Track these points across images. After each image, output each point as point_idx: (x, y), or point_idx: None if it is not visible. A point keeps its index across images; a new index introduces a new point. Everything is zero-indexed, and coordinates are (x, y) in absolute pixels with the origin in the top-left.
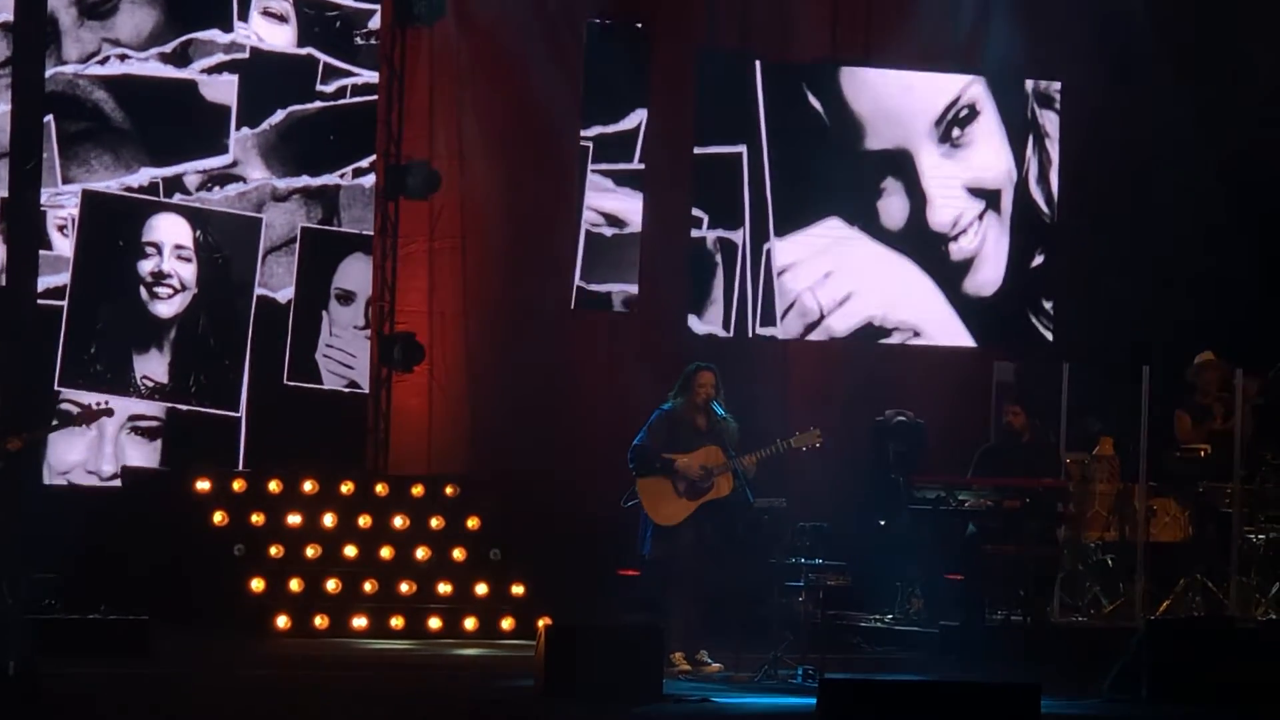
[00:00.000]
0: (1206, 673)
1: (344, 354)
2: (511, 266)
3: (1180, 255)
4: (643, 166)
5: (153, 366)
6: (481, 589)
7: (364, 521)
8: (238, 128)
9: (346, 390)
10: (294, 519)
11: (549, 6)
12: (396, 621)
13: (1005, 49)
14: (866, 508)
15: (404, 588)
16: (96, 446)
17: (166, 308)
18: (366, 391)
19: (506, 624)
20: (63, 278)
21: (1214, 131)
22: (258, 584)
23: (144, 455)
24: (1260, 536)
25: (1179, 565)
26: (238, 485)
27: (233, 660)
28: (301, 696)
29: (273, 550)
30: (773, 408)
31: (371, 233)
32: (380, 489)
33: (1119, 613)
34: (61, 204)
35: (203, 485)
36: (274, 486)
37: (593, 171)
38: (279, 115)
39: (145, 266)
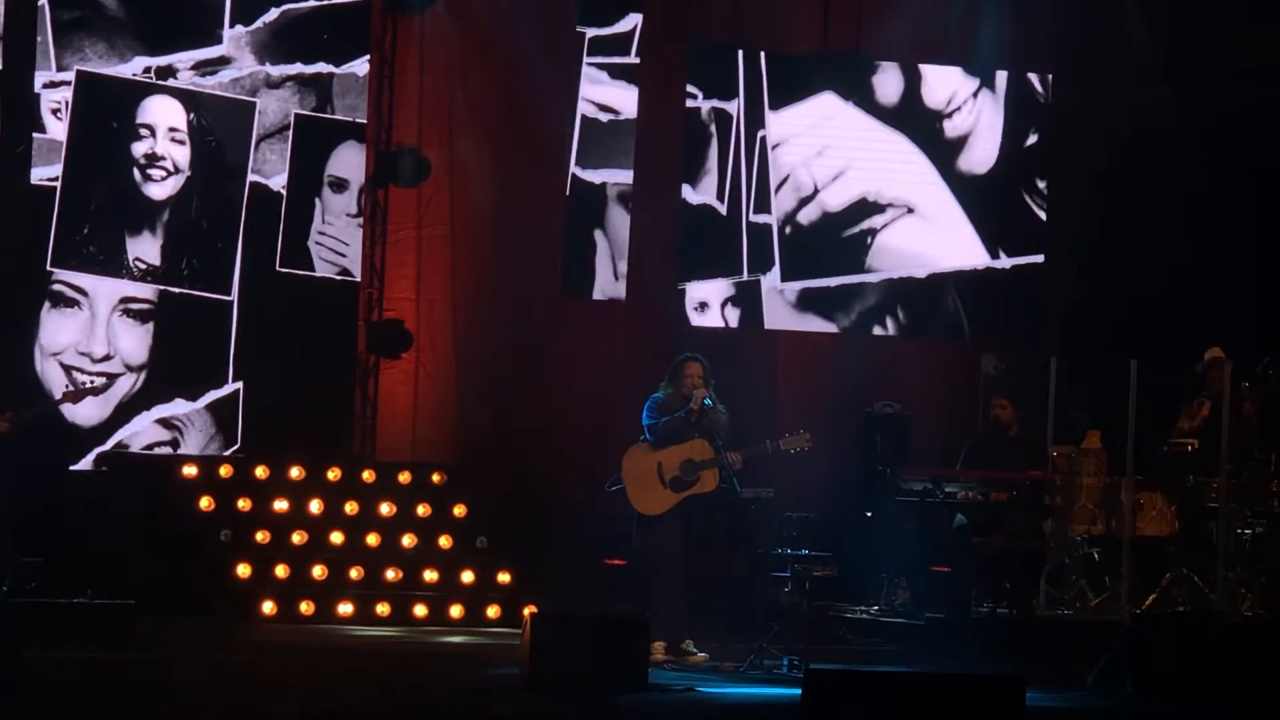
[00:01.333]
0: (1192, 667)
1: (337, 241)
2: (500, 254)
3: (1171, 248)
4: (638, 60)
5: (145, 248)
6: (467, 577)
7: (350, 508)
8: (231, 25)
9: (339, 278)
10: (280, 505)
11: None
12: (382, 608)
13: (996, 40)
14: (853, 499)
15: (390, 575)
16: (89, 328)
17: (159, 190)
18: (359, 280)
19: (492, 612)
20: (56, 169)
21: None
22: (244, 569)
23: (136, 338)
24: (1246, 531)
25: (1165, 559)
26: (224, 471)
27: (218, 646)
28: (287, 682)
29: (259, 536)
30: (761, 399)
31: (364, 121)
32: (367, 476)
33: (1105, 606)
34: (55, 88)
35: (189, 470)
36: (260, 472)
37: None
38: (272, 14)
39: (139, 148)
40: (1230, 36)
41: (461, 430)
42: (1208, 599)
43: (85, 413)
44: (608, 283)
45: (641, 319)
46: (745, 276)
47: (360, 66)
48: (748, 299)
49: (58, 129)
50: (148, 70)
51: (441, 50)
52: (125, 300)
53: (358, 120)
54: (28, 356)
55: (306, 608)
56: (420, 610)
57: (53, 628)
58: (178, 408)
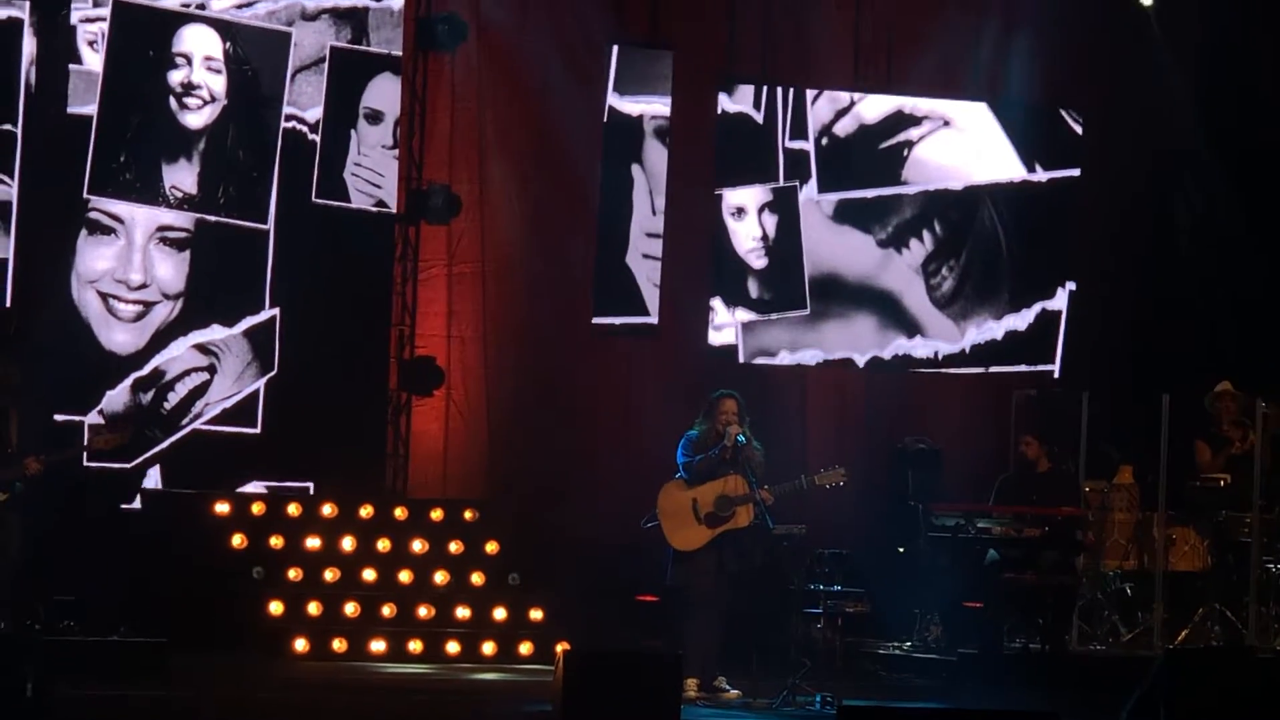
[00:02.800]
0: (1225, 702)
1: (372, 173)
2: (531, 291)
3: (1199, 282)
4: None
5: (181, 177)
6: (500, 614)
7: (383, 545)
8: None
9: (374, 209)
10: (313, 542)
11: (570, 33)
12: (415, 645)
13: (1026, 77)
14: (885, 535)
15: (422, 612)
16: (125, 255)
17: (196, 119)
18: (394, 211)
19: (525, 649)
20: (92, 106)
21: (1229, 150)
22: (276, 607)
23: (172, 266)
24: (1279, 566)
25: (1198, 594)
26: (257, 508)
27: (250, 683)
28: None
29: (291, 573)
30: (792, 435)
31: (400, 54)
32: (399, 513)
33: (1137, 641)
34: (91, 19)
35: (222, 508)
36: (293, 509)
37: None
38: None
39: (175, 77)
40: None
41: (493, 467)
42: (1241, 634)
43: (121, 339)
44: (645, 218)
45: (674, 351)
46: (782, 183)
47: (396, 1)
48: (785, 207)
49: (94, 61)
50: (184, 1)
51: (472, 88)
52: (162, 228)
53: (393, 54)
54: (65, 285)
55: (339, 645)
56: (453, 647)
57: (86, 666)
58: (214, 333)
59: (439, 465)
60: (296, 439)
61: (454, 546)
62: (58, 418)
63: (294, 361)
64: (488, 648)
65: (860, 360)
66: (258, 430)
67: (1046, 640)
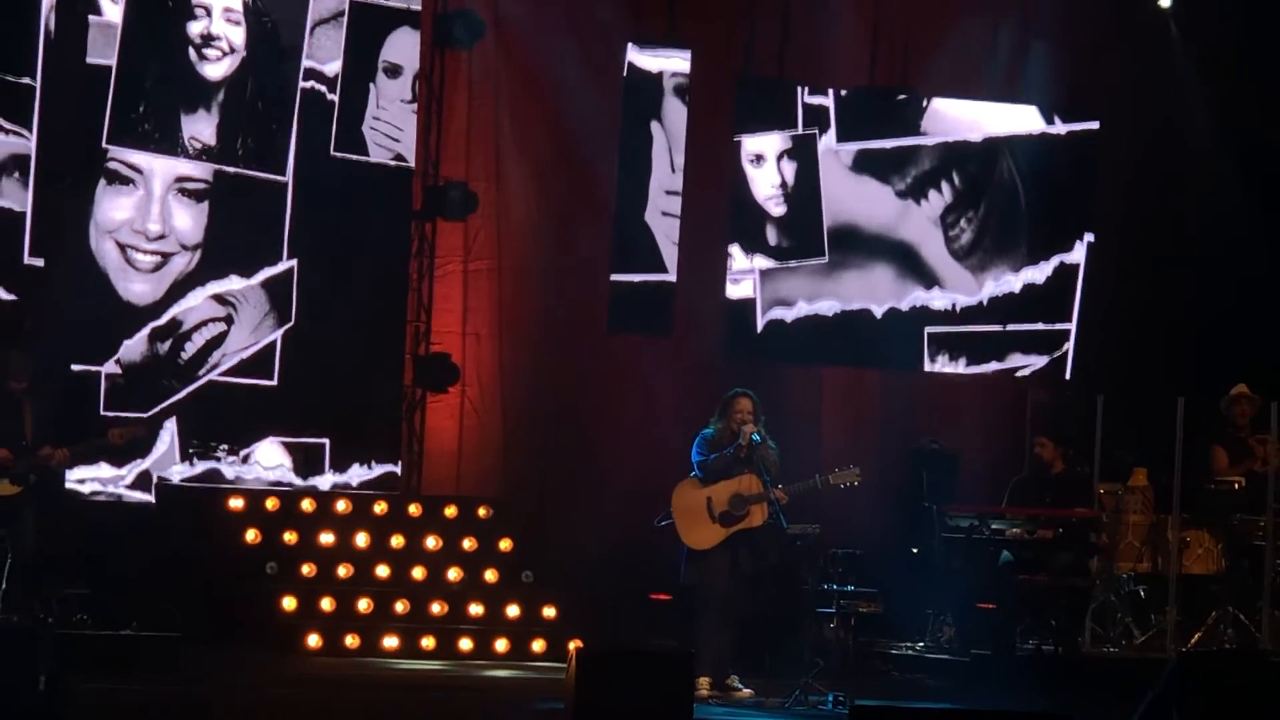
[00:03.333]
0: (1237, 706)
1: (391, 127)
2: (546, 288)
3: (1216, 285)
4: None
5: (200, 128)
6: (513, 611)
7: (396, 541)
8: None
9: (393, 164)
10: (326, 538)
11: (587, 31)
12: (428, 642)
13: (1044, 76)
14: (899, 535)
15: (435, 608)
16: (144, 206)
17: (215, 70)
18: (413, 166)
19: (538, 646)
20: (111, 58)
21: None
22: (289, 602)
23: (191, 217)
24: None
25: (1211, 597)
26: (271, 504)
27: (263, 679)
28: (331, 716)
29: (305, 569)
30: (807, 435)
31: (419, 8)
32: (413, 509)
33: (1150, 644)
34: None
35: (236, 503)
36: (307, 505)
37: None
38: None
39: (194, 28)
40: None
41: (507, 464)
42: (1254, 637)
43: (139, 290)
44: (664, 175)
45: (688, 355)
46: (801, 130)
47: None
48: (804, 155)
49: (113, 12)
50: None
51: (488, 85)
52: (180, 179)
53: (412, 8)
54: (83, 235)
55: (352, 641)
56: (465, 644)
57: (98, 659)
58: (232, 284)
59: (453, 462)
60: (313, 392)
61: (467, 543)
62: (75, 367)
63: (311, 314)
64: (500, 645)
65: (878, 311)
66: (274, 382)
67: (1059, 642)
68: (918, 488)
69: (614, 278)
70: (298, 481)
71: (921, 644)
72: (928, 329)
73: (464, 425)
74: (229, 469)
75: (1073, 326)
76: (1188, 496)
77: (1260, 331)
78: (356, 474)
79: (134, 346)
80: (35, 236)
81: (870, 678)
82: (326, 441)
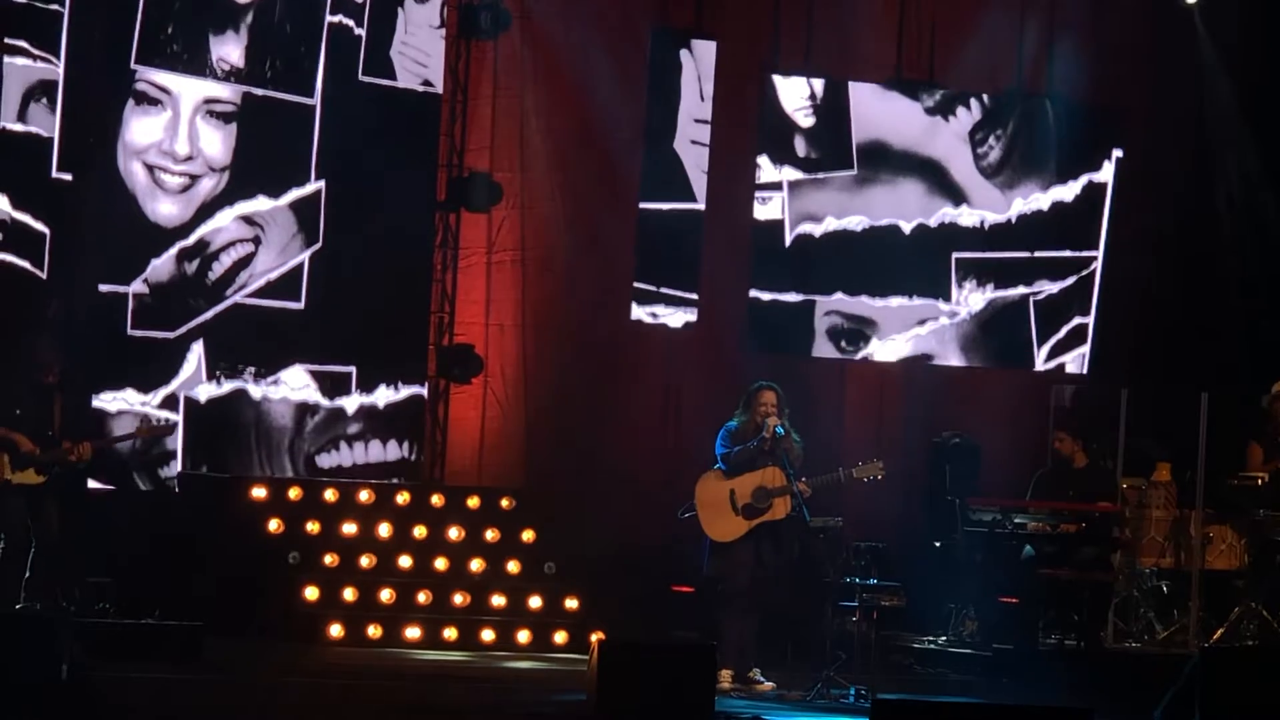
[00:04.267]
0: (1260, 701)
1: (419, 52)
2: (570, 280)
3: (1242, 281)
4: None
5: (228, 50)
6: (535, 602)
7: (419, 532)
8: None
9: (421, 89)
10: (349, 528)
11: (613, 22)
12: (450, 633)
13: (1069, 73)
14: (922, 529)
15: (458, 599)
16: (172, 127)
17: None
18: (440, 92)
19: (560, 638)
20: None
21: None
22: (312, 592)
23: (219, 139)
24: None
25: (1234, 593)
26: (294, 493)
27: (285, 668)
28: (353, 706)
29: (327, 559)
30: (830, 428)
31: None
32: (436, 500)
33: (1173, 639)
34: None
35: (259, 492)
36: (330, 495)
37: None
38: None
39: None
40: None
41: (530, 455)
42: (1277, 633)
43: (167, 211)
44: (693, 104)
45: (711, 348)
46: None
47: None
48: None
49: None
50: None
51: (514, 76)
52: (208, 101)
53: None
54: (111, 156)
55: (374, 631)
56: (488, 635)
57: (121, 648)
58: (259, 205)
59: (476, 453)
60: (340, 315)
61: (490, 534)
62: (103, 288)
63: (339, 236)
64: (523, 636)
65: (906, 228)
66: (301, 305)
67: (1082, 637)
68: (940, 481)
69: (642, 205)
70: (324, 403)
71: (944, 638)
72: (955, 254)
73: (487, 416)
74: (256, 389)
75: (1099, 254)
76: (1211, 492)
77: None
78: (383, 395)
79: (162, 266)
80: (62, 158)
81: (892, 671)
82: (353, 370)
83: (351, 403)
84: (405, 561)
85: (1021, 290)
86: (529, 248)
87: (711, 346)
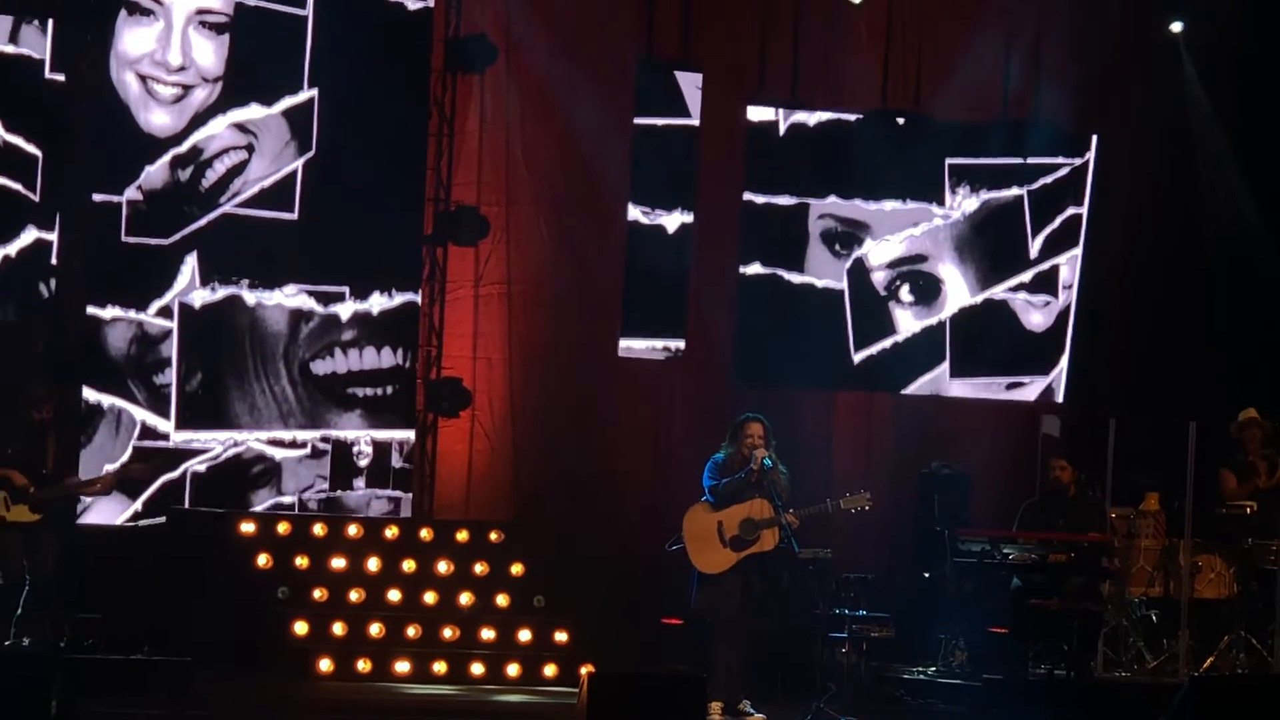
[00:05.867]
0: None
1: None
2: (557, 313)
3: (1229, 309)
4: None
5: None
6: (525, 635)
7: (408, 566)
8: None
9: (413, 6)
10: (338, 562)
11: (599, 54)
12: (439, 666)
13: (1055, 101)
14: (911, 560)
15: (447, 633)
16: (164, 38)
17: None
18: (432, 5)
19: (549, 671)
20: None
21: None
22: (301, 627)
23: (212, 49)
24: None
25: (1223, 621)
26: (283, 528)
27: (275, 703)
28: None
29: (316, 593)
30: (819, 459)
31: None
32: (425, 534)
33: (1163, 668)
34: None
35: (248, 527)
36: (319, 530)
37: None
38: None
39: None
40: None
41: (518, 489)
42: (1266, 661)
43: (160, 122)
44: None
45: (699, 380)
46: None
47: None
48: None
49: None
50: None
51: (500, 109)
52: (201, 11)
53: None
54: (104, 67)
55: (363, 665)
56: (477, 669)
57: (110, 684)
58: (253, 112)
59: (464, 487)
60: (333, 228)
61: (479, 568)
62: (96, 197)
63: (332, 145)
64: (512, 669)
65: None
66: (295, 216)
67: (1071, 667)
68: (929, 512)
69: (637, 121)
70: (319, 309)
71: (933, 668)
72: (948, 160)
73: (475, 450)
74: (250, 295)
75: (1091, 156)
76: (1200, 520)
77: (1274, 354)
78: (378, 302)
79: (155, 173)
80: (54, 65)
81: (882, 702)
82: (346, 289)
83: (346, 309)
84: (394, 595)
85: (1015, 191)
86: (516, 281)
87: (699, 378)
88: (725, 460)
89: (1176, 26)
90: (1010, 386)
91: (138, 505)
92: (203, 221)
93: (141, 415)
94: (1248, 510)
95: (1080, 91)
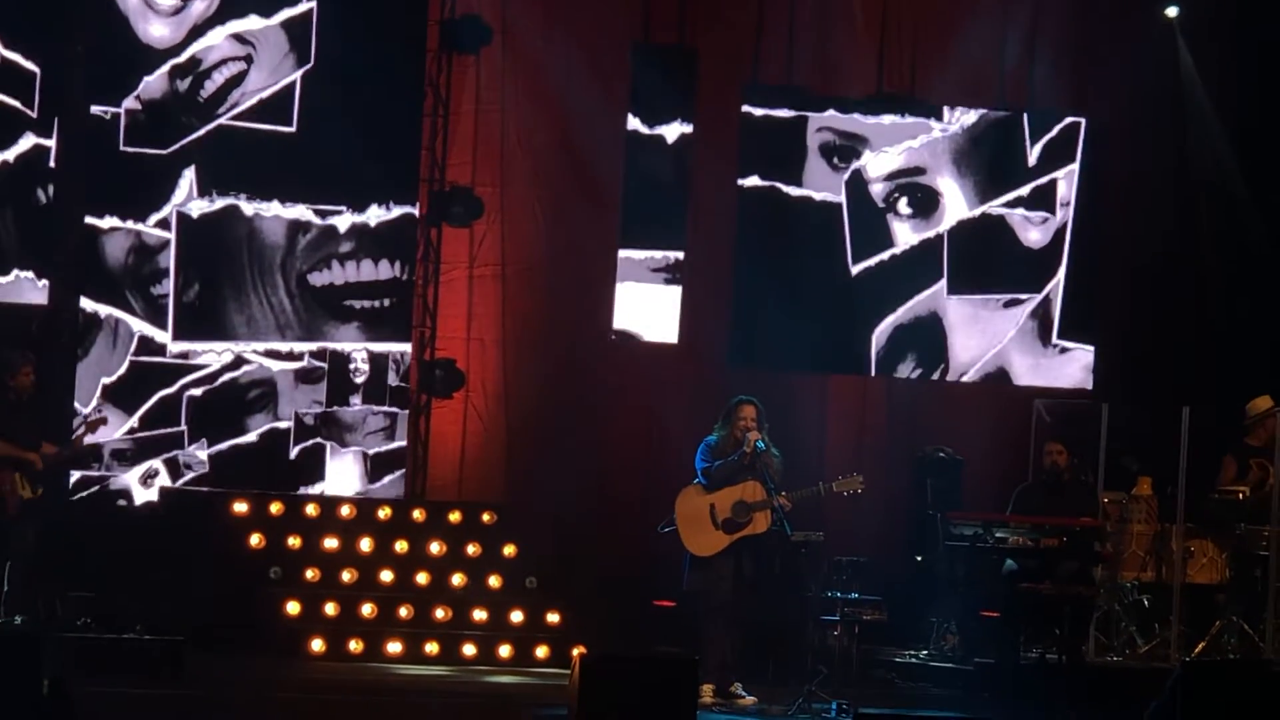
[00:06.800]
0: (1241, 716)
1: None
2: (551, 295)
3: (1224, 294)
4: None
5: None
6: (517, 616)
7: (401, 547)
8: None
9: None
10: (331, 543)
11: (594, 37)
12: (431, 647)
13: (1050, 87)
14: (903, 543)
15: (439, 614)
16: None
17: None
18: None
19: (541, 652)
20: None
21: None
22: (293, 607)
23: None
24: None
25: (1215, 607)
26: (275, 508)
27: (267, 683)
28: None
29: (309, 574)
30: (812, 442)
31: None
32: (417, 515)
33: (1154, 653)
34: None
35: (240, 507)
36: (311, 510)
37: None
38: None
39: None
40: None
41: (511, 470)
42: (1258, 647)
43: (158, 34)
44: None
45: (692, 363)
46: None
47: None
48: None
49: None
50: None
51: (495, 90)
52: None
53: None
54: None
55: (355, 646)
56: (469, 650)
57: (102, 663)
58: (251, 23)
59: (457, 468)
60: (331, 142)
61: (472, 549)
62: (94, 109)
63: (331, 57)
64: (504, 650)
65: None
66: (293, 129)
67: (1063, 651)
68: (922, 495)
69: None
70: (316, 221)
71: (925, 652)
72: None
73: (468, 430)
74: (248, 206)
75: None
76: (1192, 506)
77: (1267, 341)
78: (375, 214)
79: (154, 84)
80: None
81: (874, 686)
82: (344, 209)
83: (343, 221)
84: (387, 576)
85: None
86: (510, 262)
87: (692, 361)
88: (718, 443)
89: (1172, 11)
90: (1008, 304)
91: (134, 421)
92: (201, 132)
93: (139, 326)
94: (1240, 496)
95: (1076, 77)
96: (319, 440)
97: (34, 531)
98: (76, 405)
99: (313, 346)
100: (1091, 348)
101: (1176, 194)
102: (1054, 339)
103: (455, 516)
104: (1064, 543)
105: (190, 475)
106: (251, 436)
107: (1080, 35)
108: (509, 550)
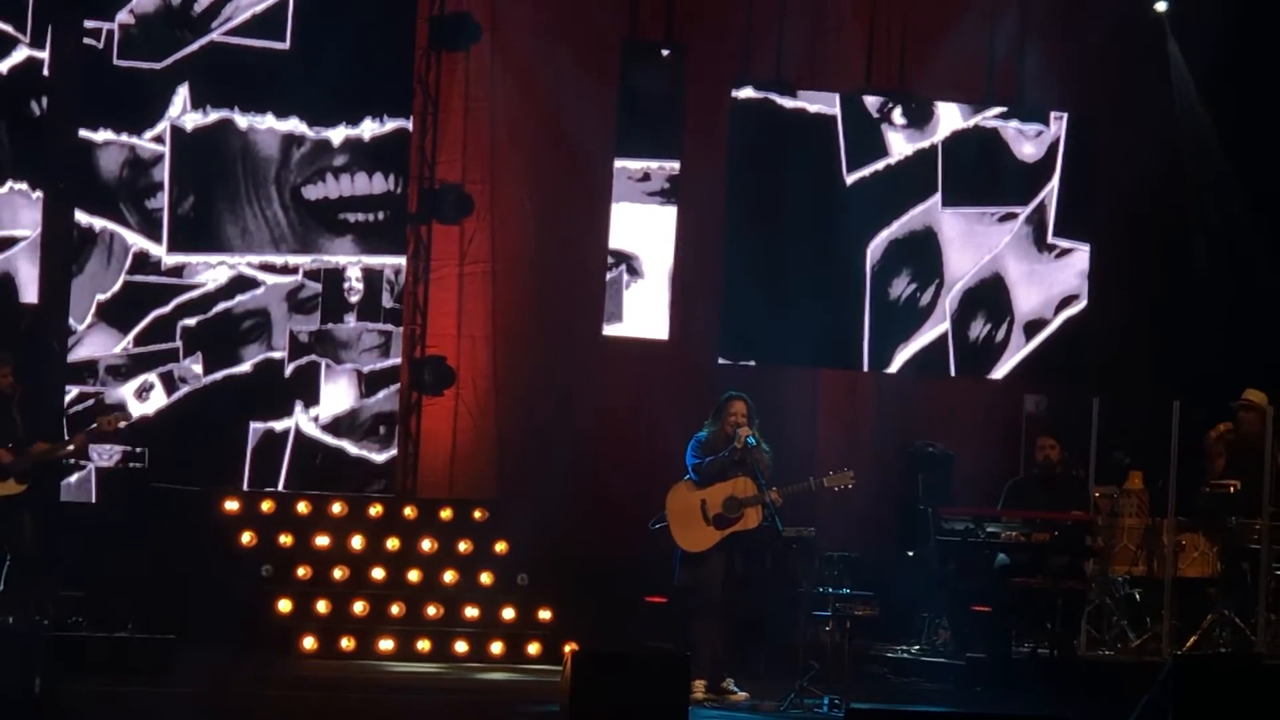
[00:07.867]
0: (1232, 709)
1: None
2: (541, 292)
3: (1214, 288)
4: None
5: None
6: (509, 613)
7: (392, 544)
8: None
9: None
10: (322, 540)
11: (583, 34)
12: (423, 644)
13: (1040, 83)
14: (895, 538)
15: (431, 611)
16: None
17: None
18: None
19: (533, 649)
20: None
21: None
22: (285, 605)
23: None
24: None
25: (1207, 601)
26: (266, 506)
27: (258, 681)
28: (327, 718)
29: (300, 571)
30: (803, 437)
31: None
32: (409, 512)
33: (1146, 647)
34: None
35: (231, 505)
36: (303, 508)
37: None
38: None
39: None
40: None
41: (502, 466)
42: (1249, 641)
43: None
44: None
45: (683, 360)
46: None
47: None
48: None
49: None
50: None
51: (484, 87)
52: None
53: None
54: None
55: (347, 643)
56: (461, 647)
57: (94, 662)
58: None
59: (448, 465)
60: (325, 61)
61: (463, 546)
62: (88, 24)
63: None
64: (496, 647)
65: None
66: (286, 45)
67: (1055, 645)
68: (913, 490)
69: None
70: (310, 134)
71: (917, 647)
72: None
73: (458, 428)
74: (242, 119)
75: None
76: (1183, 500)
77: (1257, 335)
78: (369, 128)
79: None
80: None
81: (866, 681)
82: (338, 122)
83: (337, 135)
84: (378, 574)
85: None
86: (500, 259)
87: (683, 357)
88: (709, 438)
89: (1161, 6)
90: (1003, 219)
91: (128, 341)
92: (194, 47)
93: (133, 239)
94: (1231, 489)
95: (1066, 73)
96: (314, 358)
97: (30, 529)
98: (71, 322)
99: (307, 260)
100: (1087, 246)
101: (1166, 185)
102: (1049, 239)
103: (446, 514)
104: (1055, 537)
105: (185, 389)
106: (245, 366)
107: (1071, 29)
108: (500, 547)
